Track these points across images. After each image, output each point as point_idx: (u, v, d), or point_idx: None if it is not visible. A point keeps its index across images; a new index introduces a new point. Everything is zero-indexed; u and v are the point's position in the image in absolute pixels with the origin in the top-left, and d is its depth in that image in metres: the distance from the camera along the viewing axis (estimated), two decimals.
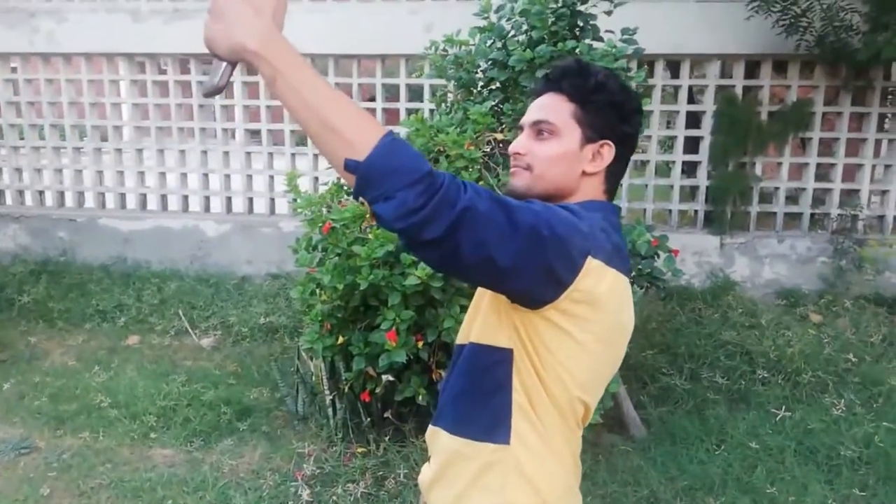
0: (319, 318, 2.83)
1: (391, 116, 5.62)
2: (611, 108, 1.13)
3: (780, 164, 5.41)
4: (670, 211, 5.45)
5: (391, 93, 5.57)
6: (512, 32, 3.16)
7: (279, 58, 0.87)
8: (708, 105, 5.30)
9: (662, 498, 2.86)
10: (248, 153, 5.77)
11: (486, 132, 2.93)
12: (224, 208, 5.83)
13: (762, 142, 5.26)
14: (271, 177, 5.74)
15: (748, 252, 5.34)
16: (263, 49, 0.87)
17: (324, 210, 3.01)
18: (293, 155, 5.70)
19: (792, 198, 5.50)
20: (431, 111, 5.38)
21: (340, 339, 2.84)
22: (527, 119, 1.18)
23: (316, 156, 5.66)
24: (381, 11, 5.28)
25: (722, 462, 3.08)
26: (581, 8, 3.12)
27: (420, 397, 2.88)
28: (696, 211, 5.49)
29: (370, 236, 2.68)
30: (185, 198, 5.87)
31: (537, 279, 0.97)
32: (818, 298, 5.08)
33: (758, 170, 5.37)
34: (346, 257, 2.63)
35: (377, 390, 2.92)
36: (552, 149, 1.13)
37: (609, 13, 3.20)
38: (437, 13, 5.04)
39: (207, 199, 5.87)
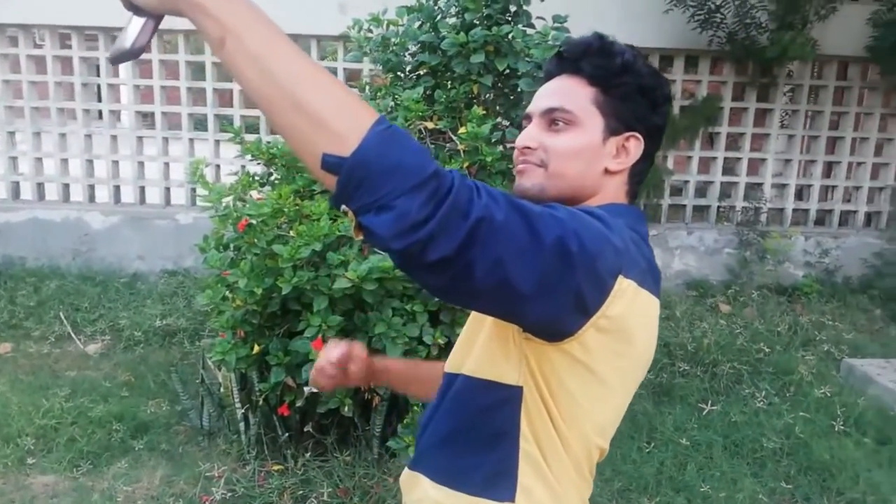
0: (231, 326, 2.52)
1: None
2: (639, 94, 0.93)
3: (689, 157, 5.52)
4: None
5: None
6: (442, 14, 2.94)
7: (230, 12, 0.62)
8: None
9: (598, 502, 2.78)
10: (140, 138, 5.24)
11: (416, 120, 2.70)
12: (112, 198, 5.26)
13: (674, 136, 5.33)
14: (166, 164, 5.24)
15: (660, 244, 5.42)
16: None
17: (235, 204, 2.68)
18: (191, 140, 5.22)
19: (700, 191, 5.64)
20: None
21: (256, 349, 2.54)
22: (535, 107, 0.96)
23: (218, 142, 5.21)
24: None
25: (654, 460, 3.04)
26: None
27: (346, 408, 2.63)
28: None
29: (291, 234, 2.40)
30: (66, 186, 5.25)
31: (562, 307, 0.76)
32: (725, 289, 5.23)
33: (669, 163, 5.45)
34: (265, 257, 2.33)
35: (297, 402, 2.64)
36: (570, 141, 0.92)
37: None
38: None
39: (92, 187, 5.29)
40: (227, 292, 2.40)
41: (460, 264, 0.67)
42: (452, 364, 0.98)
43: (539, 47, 2.83)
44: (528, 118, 0.98)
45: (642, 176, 0.99)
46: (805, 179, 5.69)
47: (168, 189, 5.28)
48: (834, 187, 5.71)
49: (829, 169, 5.70)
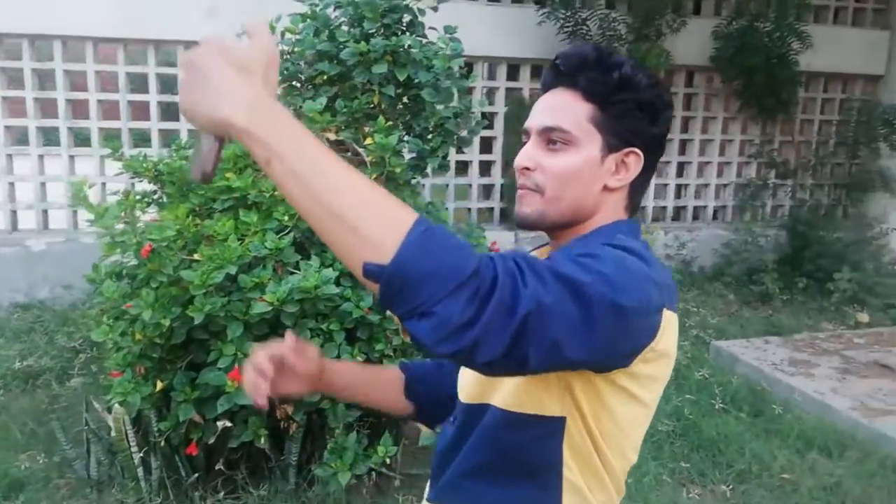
0: (129, 363, 2.29)
1: (171, 112, 4.91)
2: (638, 109, 0.91)
3: None
4: (470, 209, 5.55)
5: (168, 85, 4.86)
6: (337, 23, 2.86)
7: (275, 136, 0.64)
8: (499, 107, 5.48)
9: None
10: None
11: (319, 132, 2.60)
12: None
13: None
14: (11, 184, 4.67)
15: (538, 243, 5.64)
16: (254, 125, 0.64)
17: (119, 226, 2.44)
18: (41, 157, 4.69)
19: None
20: None
21: (159, 385, 2.32)
22: (533, 123, 0.93)
23: (73, 157, 4.73)
24: None
25: None
26: (408, 2, 2.93)
27: (262, 440, 2.48)
28: (491, 208, 5.67)
29: (196, 257, 2.22)
30: None
31: (616, 357, 0.78)
32: None
33: None
34: (169, 285, 2.14)
35: (208, 440, 2.45)
36: (567, 163, 0.90)
37: (435, 9, 3.07)
38: None
39: None
40: (129, 326, 2.17)
41: (514, 359, 0.67)
42: (472, 394, 0.94)
43: (439, 57, 2.85)
44: (527, 133, 0.94)
45: (643, 188, 0.97)
46: (661, 179, 6.17)
47: (14, 212, 4.70)
48: (686, 185, 6.25)
49: (681, 169, 6.23)
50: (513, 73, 5.55)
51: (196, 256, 2.24)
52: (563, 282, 0.68)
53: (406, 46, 2.82)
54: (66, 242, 4.63)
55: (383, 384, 1.12)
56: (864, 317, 5.08)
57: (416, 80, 2.86)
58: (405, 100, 2.99)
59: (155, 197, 2.89)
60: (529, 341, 0.66)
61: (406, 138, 2.93)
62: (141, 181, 2.90)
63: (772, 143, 6.31)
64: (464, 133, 3.04)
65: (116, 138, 4.60)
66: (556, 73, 0.93)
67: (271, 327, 2.35)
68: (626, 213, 0.96)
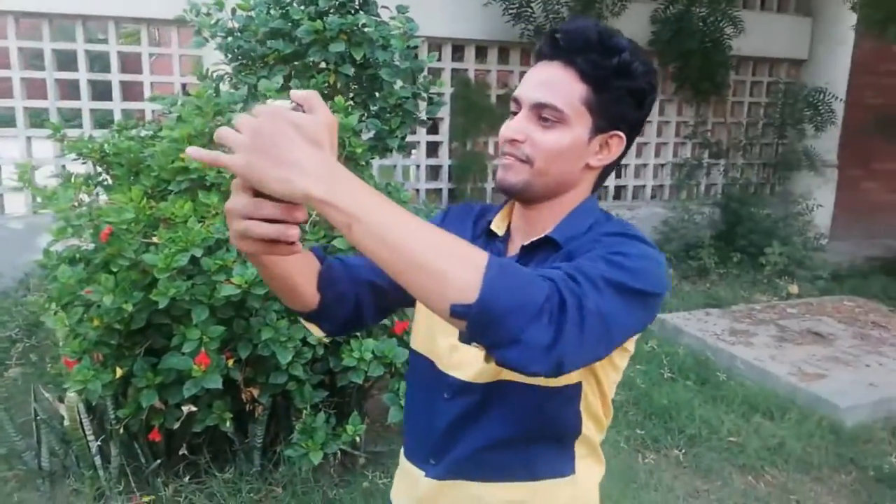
0: (85, 349, 2.20)
1: (131, 91, 4.71)
2: (630, 96, 0.94)
3: None
4: (418, 190, 5.55)
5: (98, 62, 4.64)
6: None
7: (353, 203, 0.67)
8: (446, 87, 5.48)
9: None
10: None
11: None
12: None
13: (493, 123, 5.63)
14: None
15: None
16: (333, 196, 0.66)
17: (75, 208, 2.34)
18: None
19: None
20: (183, 86, 4.68)
21: (119, 372, 2.25)
22: (525, 95, 0.94)
23: (29, 138, 4.48)
24: None
25: None
26: None
27: (227, 423, 2.45)
28: (439, 189, 5.68)
29: (155, 240, 2.16)
30: None
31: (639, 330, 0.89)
32: None
33: (490, 149, 5.75)
34: (129, 269, 2.07)
35: (171, 425, 2.40)
36: (558, 140, 0.92)
37: None
38: None
39: None
40: (83, 312, 2.09)
41: (590, 360, 0.80)
42: (484, 373, 0.95)
43: (395, 37, 2.83)
44: (517, 103, 0.95)
45: (615, 167, 1.02)
46: None
47: None
48: (626, 165, 6.43)
49: None
50: (457, 53, 5.57)
51: (155, 239, 2.17)
52: (613, 286, 0.78)
53: (361, 25, 2.79)
54: None
55: (308, 265, 0.97)
56: (794, 288, 5.38)
57: (373, 60, 2.84)
58: (361, 79, 2.97)
59: (100, 179, 2.78)
60: (598, 343, 0.76)
61: (365, 118, 2.91)
62: (84, 163, 2.78)
63: (705, 124, 6.56)
64: (421, 114, 3.03)
65: (42, 117, 4.38)
66: (554, 47, 0.93)
67: (235, 310, 2.31)
68: (592, 190, 1.01)
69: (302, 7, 2.78)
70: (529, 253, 0.97)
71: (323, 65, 2.82)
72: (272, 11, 2.73)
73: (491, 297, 0.68)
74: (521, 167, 0.94)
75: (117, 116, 4.63)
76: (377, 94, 3.00)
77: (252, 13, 2.72)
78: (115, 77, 4.60)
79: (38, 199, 2.22)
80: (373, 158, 3.02)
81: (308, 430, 2.45)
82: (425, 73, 3.12)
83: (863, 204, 7.27)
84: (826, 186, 6.69)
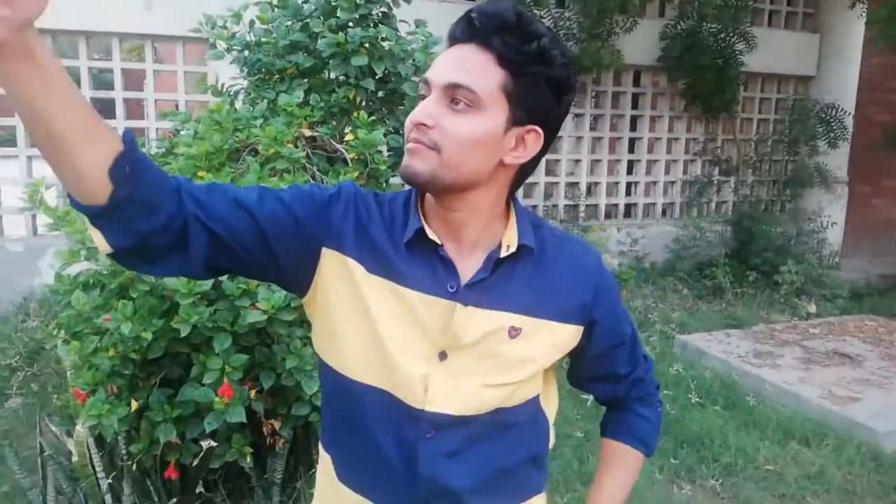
0: (99, 381, 2.06)
1: (132, 109, 4.60)
2: (549, 85, 0.86)
3: None
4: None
5: (101, 80, 4.53)
6: (309, 12, 2.70)
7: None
8: None
9: None
10: None
11: (298, 127, 2.44)
12: None
13: None
14: None
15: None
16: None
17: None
18: None
19: (527, 191, 5.93)
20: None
21: (134, 405, 2.10)
22: (437, 77, 0.85)
23: (30, 158, 4.36)
24: None
25: (558, 457, 3.09)
26: None
27: (247, 458, 2.30)
28: None
29: None
30: None
31: None
32: None
33: None
34: (147, 294, 1.93)
35: (190, 461, 2.25)
36: (471, 127, 0.84)
37: (408, 1, 2.95)
38: None
39: None
40: (99, 341, 1.95)
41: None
42: (474, 404, 0.92)
43: (420, 51, 2.73)
44: (427, 85, 0.87)
45: (533, 169, 0.94)
46: (613, 177, 6.24)
47: None
48: (636, 183, 6.35)
49: (630, 167, 6.32)
50: None
51: None
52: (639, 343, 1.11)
53: (381, 38, 2.69)
54: None
55: (99, 136, 0.73)
56: (812, 307, 5.27)
57: (393, 73, 2.73)
58: (381, 94, 2.86)
59: None
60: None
61: (385, 135, 2.80)
62: None
63: (715, 140, 6.49)
64: None
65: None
66: (470, 29, 0.85)
67: (258, 337, 2.17)
68: (508, 190, 0.94)
69: (321, 19, 2.68)
70: (499, 265, 0.92)
71: (342, 78, 2.72)
72: (292, 24, 2.63)
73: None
74: (429, 154, 0.84)
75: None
76: (396, 109, 2.90)
77: (271, 26, 2.61)
78: (119, 94, 4.49)
79: (49, 220, 2.08)
80: (393, 175, 2.91)
81: None
82: None
83: (873, 221, 7.20)
84: (836, 203, 6.63)
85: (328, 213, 0.92)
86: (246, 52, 2.60)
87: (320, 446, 1.04)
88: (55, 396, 3.17)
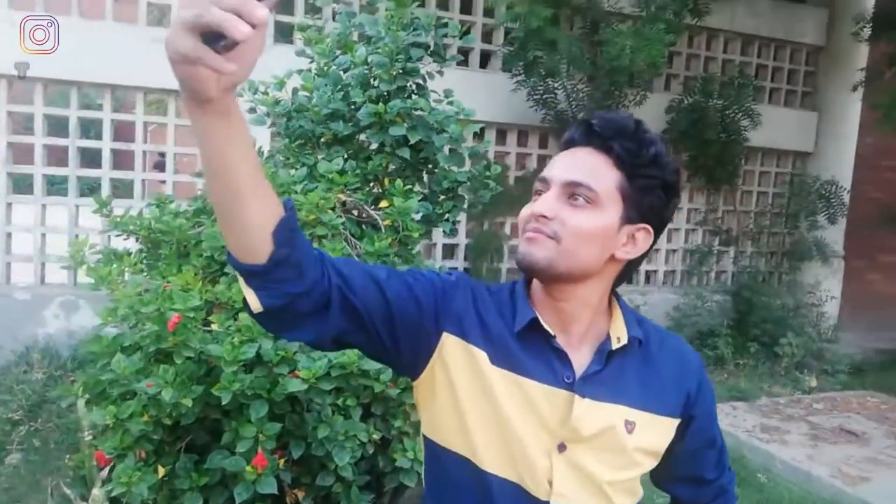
0: (128, 446, 2.02)
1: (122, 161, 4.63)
2: (661, 189, 0.94)
3: None
4: (438, 268, 5.47)
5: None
6: (349, 81, 2.78)
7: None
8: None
9: None
10: None
11: (338, 193, 2.48)
12: None
13: (511, 203, 5.61)
14: None
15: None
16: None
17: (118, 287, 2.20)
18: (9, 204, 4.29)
19: None
20: None
21: (161, 471, 2.06)
22: (557, 175, 0.93)
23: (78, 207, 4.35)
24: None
25: None
26: (419, 66, 2.90)
27: None
28: (455, 267, 5.60)
29: (214, 327, 2.02)
30: None
31: None
32: None
33: (507, 229, 5.72)
34: (191, 360, 1.92)
35: None
36: (589, 221, 0.91)
37: (441, 73, 3.04)
38: None
39: None
40: (139, 406, 1.92)
41: None
42: (584, 500, 0.94)
43: (453, 121, 2.81)
44: (545, 183, 0.94)
45: (637, 266, 1.02)
46: None
47: None
48: None
49: None
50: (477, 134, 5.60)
51: (214, 326, 2.04)
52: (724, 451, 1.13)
53: (418, 109, 2.76)
54: None
55: (265, 193, 0.80)
56: (813, 381, 5.30)
57: (427, 143, 2.80)
58: (414, 163, 2.92)
59: (142, 256, 2.65)
60: None
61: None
62: (126, 239, 2.66)
63: (716, 211, 6.62)
64: (480, 198, 2.98)
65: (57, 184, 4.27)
66: (589, 133, 0.94)
67: (291, 405, 2.15)
68: (611, 284, 0.99)
69: (360, 89, 2.75)
70: (611, 357, 0.96)
71: (376, 146, 2.78)
72: (333, 93, 2.70)
73: None
74: (548, 242, 0.91)
75: (137, 187, 4.54)
76: (427, 177, 2.96)
77: (313, 94, 2.68)
78: (139, 147, 4.53)
79: (90, 279, 2.08)
80: (422, 240, 2.94)
81: None
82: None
83: (868, 295, 7.31)
84: (833, 277, 6.73)
85: (449, 299, 0.96)
86: (289, 119, 2.65)
87: None
88: (61, 455, 3.09)
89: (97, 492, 2.31)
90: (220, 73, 0.66)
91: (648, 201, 0.94)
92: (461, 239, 5.54)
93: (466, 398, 0.95)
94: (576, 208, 0.91)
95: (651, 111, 5.68)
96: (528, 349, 0.95)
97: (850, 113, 6.56)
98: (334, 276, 0.88)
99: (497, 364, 0.94)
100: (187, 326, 1.86)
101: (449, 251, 5.62)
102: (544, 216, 0.91)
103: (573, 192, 0.91)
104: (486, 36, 5.55)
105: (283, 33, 4.91)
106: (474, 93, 5.08)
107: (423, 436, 1.03)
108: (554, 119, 5.37)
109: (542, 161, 5.89)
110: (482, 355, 0.95)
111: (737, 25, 6.27)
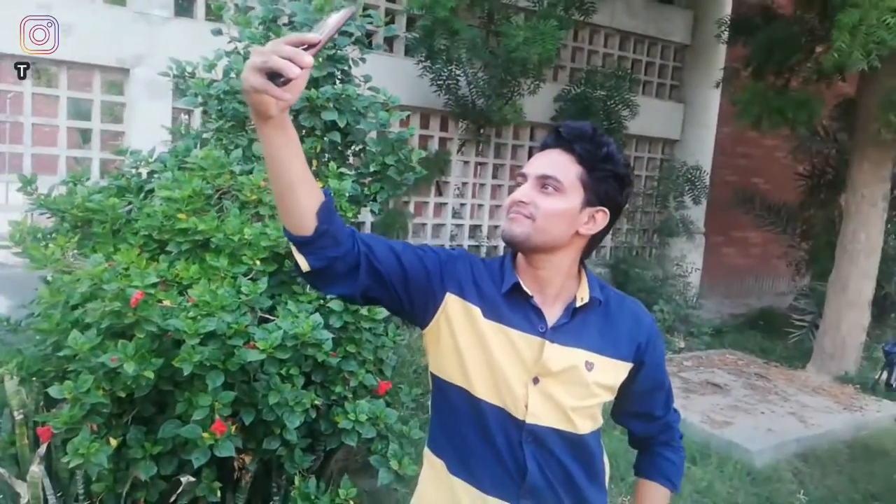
0: (76, 420, 2.07)
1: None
2: (614, 179, 1.22)
3: (426, 203, 6.10)
4: None
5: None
6: None
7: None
8: None
9: None
10: None
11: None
12: None
13: (414, 183, 5.83)
14: None
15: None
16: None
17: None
18: None
19: (435, 232, 6.26)
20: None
21: (113, 443, 2.13)
22: (532, 170, 1.21)
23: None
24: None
25: None
26: (345, 53, 3.05)
27: (217, 493, 2.37)
28: None
29: (167, 303, 2.11)
30: None
31: None
32: None
33: (411, 207, 5.95)
34: (151, 335, 2.00)
35: (151, 499, 2.29)
36: (556, 204, 1.18)
37: (363, 60, 3.20)
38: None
39: None
40: (96, 380, 1.98)
41: None
42: (552, 420, 1.22)
43: (374, 107, 2.99)
44: (524, 177, 1.23)
45: (600, 241, 1.30)
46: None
47: None
48: None
49: None
50: None
51: (167, 303, 2.12)
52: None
53: (346, 95, 2.92)
54: None
55: (311, 183, 1.07)
56: (681, 342, 5.99)
57: (354, 127, 2.96)
58: (339, 147, 3.07)
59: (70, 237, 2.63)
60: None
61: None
62: (49, 217, 2.63)
63: None
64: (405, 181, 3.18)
65: None
66: (558, 138, 1.23)
67: (246, 376, 2.28)
68: (580, 256, 1.27)
69: None
70: (576, 313, 1.24)
71: (306, 130, 2.90)
72: None
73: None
74: (525, 221, 1.18)
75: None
76: (353, 159, 3.12)
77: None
78: (97, 125, 4.31)
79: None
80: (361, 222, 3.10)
81: (302, 495, 2.43)
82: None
83: (724, 267, 8.25)
84: (696, 251, 7.54)
85: (452, 267, 1.24)
86: (216, 101, 2.72)
87: (427, 454, 1.32)
88: None
89: (35, 468, 2.32)
90: (279, 100, 0.93)
91: (604, 189, 1.21)
92: (366, 217, 5.70)
93: (464, 343, 1.22)
94: (547, 195, 1.18)
95: (542, 100, 6.09)
96: (512, 306, 1.23)
97: (712, 105, 7.34)
98: (362, 245, 1.15)
99: (488, 317, 1.22)
100: (148, 303, 1.94)
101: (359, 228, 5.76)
102: (522, 202, 1.18)
103: (545, 182, 1.18)
104: (389, 21, 5.70)
105: (183, 7, 4.81)
106: (380, 76, 5.20)
107: (430, 373, 1.30)
108: (455, 104, 5.64)
109: (444, 143, 6.15)
110: (477, 310, 1.22)
111: (616, 23, 6.82)
